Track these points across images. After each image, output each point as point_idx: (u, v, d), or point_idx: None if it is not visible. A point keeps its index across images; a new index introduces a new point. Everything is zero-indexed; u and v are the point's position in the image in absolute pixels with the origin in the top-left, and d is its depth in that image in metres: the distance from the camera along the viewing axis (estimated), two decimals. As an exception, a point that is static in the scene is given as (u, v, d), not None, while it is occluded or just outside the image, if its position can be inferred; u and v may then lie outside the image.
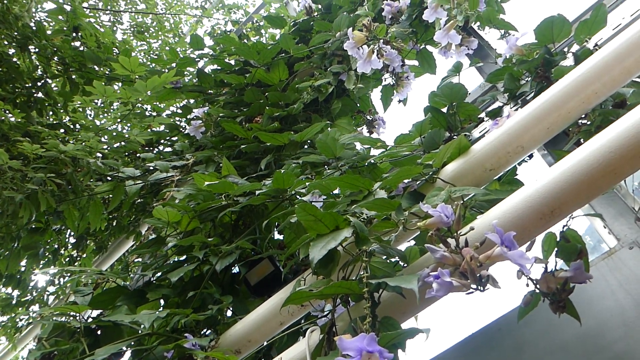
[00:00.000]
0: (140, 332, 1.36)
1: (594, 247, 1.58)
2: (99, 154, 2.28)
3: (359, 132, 2.46)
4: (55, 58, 3.02)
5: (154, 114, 3.14)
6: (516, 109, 1.45)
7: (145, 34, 4.92)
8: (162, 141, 2.88)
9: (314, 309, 1.26)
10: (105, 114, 3.97)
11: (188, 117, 2.70)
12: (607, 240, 1.43)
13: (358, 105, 2.58)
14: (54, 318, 1.50)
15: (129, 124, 3.16)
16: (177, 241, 1.68)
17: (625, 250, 1.33)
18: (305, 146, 2.11)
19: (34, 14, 3.24)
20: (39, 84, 3.02)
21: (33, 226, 2.74)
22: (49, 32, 3.08)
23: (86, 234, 3.07)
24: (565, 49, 1.57)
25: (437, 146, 1.48)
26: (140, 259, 2.73)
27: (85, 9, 3.97)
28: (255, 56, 2.53)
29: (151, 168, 2.37)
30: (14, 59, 2.99)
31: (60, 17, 3.17)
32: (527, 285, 0.98)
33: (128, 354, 1.42)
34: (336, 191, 1.42)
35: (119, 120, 2.71)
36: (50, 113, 3.07)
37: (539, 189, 0.91)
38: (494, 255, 0.79)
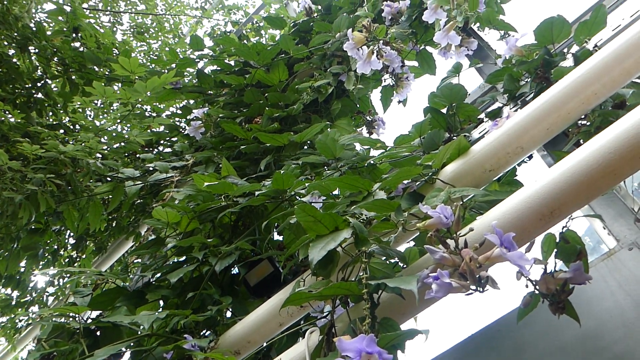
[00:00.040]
0: (139, 333, 1.36)
1: (593, 248, 1.58)
2: (98, 155, 2.28)
3: (359, 132, 2.46)
4: (55, 59, 3.03)
5: (154, 114, 3.14)
6: (516, 110, 1.45)
7: (145, 34, 4.93)
8: (161, 142, 2.88)
9: (313, 310, 1.26)
10: (105, 115, 3.97)
11: (188, 117, 2.70)
12: (606, 241, 1.43)
13: (358, 106, 2.58)
14: (54, 319, 1.50)
15: (128, 125, 3.16)
16: (177, 242, 1.68)
17: (624, 251, 1.33)
18: (305, 147, 2.11)
19: (33, 15, 3.24)
20: (38, 84, 3.02)
21: (32, 227, 2.74)
22: (48, 32, 3.08)
23: (86, 234, 3.07)
24: (565, 50, 1.57)
25: (437, 147, 1.48)
26: (139, 260, 2.73)
27: (85, 10, 3.98)
28: (255, 57, 2.53)
29: (151, 169, 2.37)
30: (14, 60, 2.99)
31: (60, 17, 3.16)
32: (527, 286, 0.98)
33: (127, 355, 1.42)
34: (336, 192, 1.42)
35: (118, 120, 2.71)
36: (50, 114, 3.07)
37: (539, 189, 0.91)
38: (494, 256, 0.79)
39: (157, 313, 1.31)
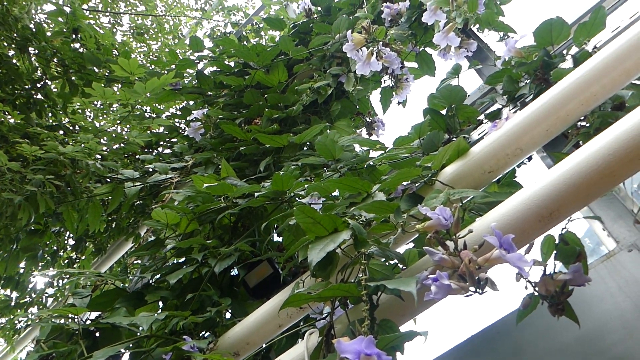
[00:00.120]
0: (138, 334, 1.36)
1: (593, 249, 1.58)
2: (98, 156, 2.28)
3: (358, 134, 2.46)
4: (55, 60, 3.03)
5: (154, 115, 3.14)
6: (515, 111, 1.45)
7: (145, 35, 4.93)
8: (161, 143, 2.88)
9: (312, 311, 1.26)
10: (105, 116, 3.97)
11: (187, 118, 2.71)
12: (606, 243, 1.43)
13: (357, 107, 2.58)
14: (53, 320, 1.50)
15: (128, 126, 3.16)
16: (176, 243, 1.68)
17: (624, 253, 1.33)
18: (305, 148, 2.11)
19: (33, 16, 3.24)
20: (38, 85, 3.02)
21: (32, 228, 2.74)
22: (48, 33, 3.08)
23: (85, 235, 3.07)
24: (564, 52, 1.57)
25: (436, 148, 1.48)
26: (139, 261, 2.72)
27: (85, 11, 3.97)
28: (255, 58, 2.53)
29: (150, 170, 2.37)
30: (14, 61, 2.99)
31: (60, 18, 3.17)
32: (526, 287, 0.98)
33: (126, 356, 1.42)
34: (335, 193, 1.42)
35: (118, 121, 2.71)
36: (50, 114, 3.07)
37: (538, 191, 0.91)
38: (493, 258, 0.79)
39: (156, 314, 1.31)
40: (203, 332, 1.47)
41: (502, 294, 0.82)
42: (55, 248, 3.28)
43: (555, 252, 1.08)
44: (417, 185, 1.29)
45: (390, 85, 2.26)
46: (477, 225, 0.98)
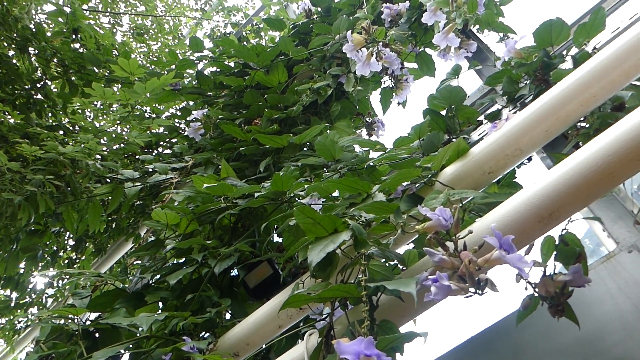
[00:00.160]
0: (138, 334, 1.36)
1: (593, 250, 1.58)
2: (98, 156, 2.28)
3: (358, 134, 2.46)
4: (55, 60, 3.03)
5: (153, 115, 3.14)
6: (515, 112, 1.45)
7: (145, 36, 4.93)
8: (161, 143, 2.88)
9: (312, 312, 1.26)
10: (105, 116, 3.97)
11: (187, 119, 2.71)
12: (606, 244, 1.43)
13: (357, 107, 2.58)
14: (52, 320, 1.50)
15: (128, 126, 3.16)
16: (176, 244, 1.68)
17: (624, 254, 1.33)
18: (305, 148, 2.11)
19: (33, 16, 3.24)
20: (38, 85, 3.02)
21: (32, 228, 2.73)
22: (48, 34, 3.08)
23: (85, 236, 3.07)
24: (564, 52, 1.57)
25: (436, 149, 1.48)
26: (139, 262, 2.72)
27: (85, 11, 3.97)
28: (255, 58, 2.53)
29: (150, 170, 2.37)
30: (14, 61, 2.99)
31: (60, 19, 3.17)
32: (526, 288, 0.98)
33: (126, 356, 1.42)
34: (335, 194, 1.42)
35: (118, 122, 2.71)
36: (50, 115, 3.07)
37: (538, 192, 0.91)
38: (493, 259, 0.79)
39: (156, 315, 1.31)
40: (203, 333, 1.47)
41: (502, 295, 0.82)
42: (55, 248, 3.28)
43: (555, 253, 1.08)
44: (417, 185, 1.29)
45: (390, 85, 2.26)
46: (477, 226, 0.98)
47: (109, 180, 2.30)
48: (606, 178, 0.87)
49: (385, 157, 1.53)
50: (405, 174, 1.21)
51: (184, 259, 1.79)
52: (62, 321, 1.52)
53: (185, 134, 2.60)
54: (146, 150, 2.79)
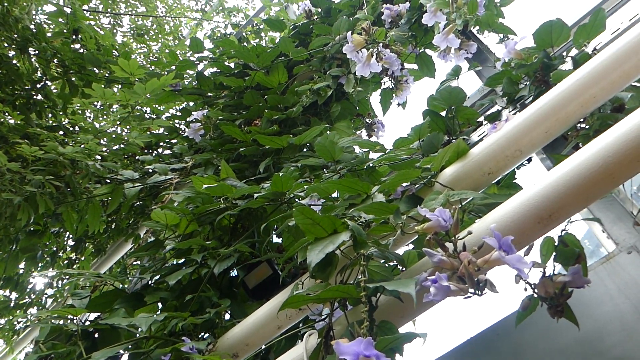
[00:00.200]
0: (137, 335, 1.36)
1: (592, 251, 1.58)
2: (97, 157, 2.28)
3: (358, 135, 2.46)
4: (55, 60, 3.03)
5: (153, 116, 3.14)
6: (515, 113, 1.45)
7: (145, 36, 4.93)
8: (161, 144, 2.88)
9: (312, 312, 1.25)
10: (105, 117, 3.98)
11: (187, 119, 2.70)
12: (605, 245, 1.43)
13: (357, 108, 2.58)
14: (52, 321, 1.50)
15: (128, 127, 3.16)
16: (176, 244, 1.68)
17: (623, 255, 1.33)
18: (305, 149, 2.11)
19: (34, 17, 3.24)
20: (38, 86, 3.02)
21: (31, 228, 2.73)
22: (48, 34, 3.09)
23: (85, 236, 3.07)
24: (564, 53, 1.57)
25: (436, 150, 1.48)
26: (138, 262, 2.72)
27: (85, 12, 3.98)
28: (255, 59, 2.53)
29: (150, 171, 2.37)
30: (14, 61, 2.99)
31: (60, 19, 3.17)
32: (525, 289, 0.98)
33: (125, 357, 1.42)
34: (335, 194, 1.42)
35: (118, 122, 2.71)
36: (50, 115, 3.07)
37: (537, 193, 0.91)
38: (492, 260, 0.79)
39: (155, 315, 1.30)
40: (202, 333, 1.47)
41: (501, 296, 0.82)
42: (54, 249, 3.28)
43: (554, 253, 1.08)
44: (416, 186, 1.29)
45: (390, 86, 2.26)
46: (476, 226, 0.98)
47: (108, 181, 2.30)
48: (606, 179, 0.87)
49: (385, 158, 1.53)
50: (404, 174, 1.21)
51: (183, 260, 1.79)
52: (61, 321, 1.51)
53: (185, 134, 2.60)
54: (146, 150, 2.79)
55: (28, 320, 3.67)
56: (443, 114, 1.65)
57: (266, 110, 2.34)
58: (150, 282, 1.72)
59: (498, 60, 2.05)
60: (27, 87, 2.96)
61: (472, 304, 0.80)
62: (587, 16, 1.98)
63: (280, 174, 1.44)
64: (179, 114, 2.97)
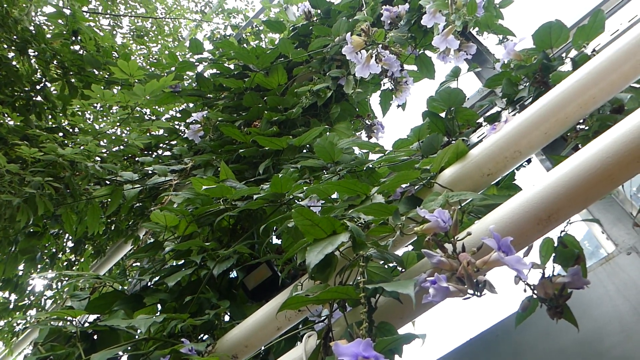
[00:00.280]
0: (136, 336, 1.36)
1: (592, 252, 1.58)
2: (97, 158, 2.28)
3: (358, 136, 2.46)
4: (55, 62, 3.03)
5: (153, 117, 3.14)
6: (514, 114, 1.45)
7: (145, 38, 4.93)
8: (160, 145, 2.88)
9: (311, 314, 1.25)
10: (105, 118, 3.97)
11: (187, 121, 2.71)
12: (605, 246, 1.43)
13: (357, 109, 2.58)
14: (51, 323, 1.50)
15: (127, 128, 3.16)
16: (175, 245, 1.68)
17: (623, 256, 1.33)
18: (304, 150, 2.11)
19: (33, 18, 3.24)
20: (37, 87, 3.02)
21: (31, 230, 2.73)
22: (48, 35, 3.09)
23: (84, 238, 3.07)
24: (563, 55, 1.57)
25: (435, 151, 1.48)
26: (138, 264, 2.72)
27: (84, 13, 3.98)
28: (255, 60, 2.53)
29: (150, 172, 2.37)
30: (13, 63, 2.99)
31: (59, 20, 3.17)
32: (525, 290, 0.98)
33: (124, 358, 1.41)
34: (334, 196, 1.42)
35: (117, 124, 2.71)
36: (49, 117, 3.07)
37: (536, 194, 0.91)
38: (491, 261, 0.79)
39: (154, 317, 1.30)
40: (201, 335, 1.47)
41: (500, 297, 0.82)
42: (54, 250, 3.28)
43: (554, 254, 1.08)
44: (416, 187, 1.29)
45: (390, 88, 2.26)
46: (475, 227, 0.98)
47: (108, 182, 2.30)
48: (605, 180, 0.87)
49: (384, 159, 1.53)
50: (404, 175, 1.21)
51: (182, 261, 1.79)
52: (60, 323, 1.51)
53: (185, 136, 2.60)
54: (145, 152, 2.79)
55: (27, 322, 3.67)
56: (442, 115, 1.65)
57: (266, 112, 2.34)
58: (149, 284, 1.71)
59: (497, 61, 2.06)
60: (26, 89, 2.96)
61: (472, 305, 0.80)
62: (586, 17, 1.98)
63: (280, 175, 1.44)
64: (178, 115, 2.97)
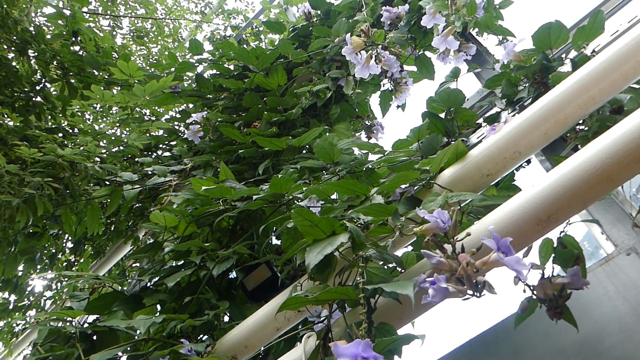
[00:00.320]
0: (136, 337, 1.36)
1: (591, 253, 1.58)
2: (97, 159, 2.28)
3: (357, 137, 2.46)
4: (54, 62, 3.03)
5: (153, 118, 3.14)
6: (514, 115, 1.45)
7: (145, 38, 4.94)
8: (160, 146, 2.88)
9: (310, 314, 1.25)
10: (104, 119, 3.97)
11: (187, 121, 2.71)
12: (604, 247, 1.43)
13: (357, 110, 2.58)
14: (50, 323, 1.50)
15: (127, 129, 3.16)
16: (174, 246, 1.67)
17: (622, 257, 1.33)
18: (304, 151, 2.11)
19: (33, 18, 3.24)
20: (37, 88, 3.02)
21: (30, 231, 2.73)
22: (48, 36, 3.09)
23: (84, 238, 3.07)
24: (563, 55, 1.57)
25: (435, 151, 1.48)
26: (137, 264, 2.72)
27: (84, 14, 3.98)
28: (254, 61, 2.53)
29: (149, 172, 2.37)
30: (13, 63, 2.99)
31: (59, 21, 3.17)
32: (524, 291, 0.98)
33: (124, 359, 1.41)
34: (334, 196, 1.42)
35: (117, 124, 2.71)
36: (49, 117, 3.07)
37: (536, 194, 0.91)
38: (491, 261, 0.79)
39: (154, 317, 1.30)
40: (201, 336, 1.47)
41: (500, 298, 0.82)
42: (53, 251, 3.28)
43: (553, 255, 1.08)
44: (415, 188, 1.29)
45: (390, 88, 2.26)
46: (475, 228, 0.98)
47: (107, 183, 2.30)
48: (604, 181, 0.87)
49: (384, 159, 1.53)
50: (403, 176, 1.21)
51: (182, 262, 1.79)
52: (59, 324, 1.51)
53: (185, 136, 2.60)
54: (145, 152, 2.79)
55: (27, 323, 3.67)
56: (442, 115, 1.66)
57: (265, 112, 2.34)
58: (149, 284, 1.71)
59: (497, 62, 2.06)
60: (26, 89, 2.96)
61: (471, 305, 0.80)
62: (585, 18, 1.98)
63: (279, 176, 1.44)
64: (178, 116, 2.97)
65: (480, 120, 1.69)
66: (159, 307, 1.65)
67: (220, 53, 2.85)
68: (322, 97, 2.35)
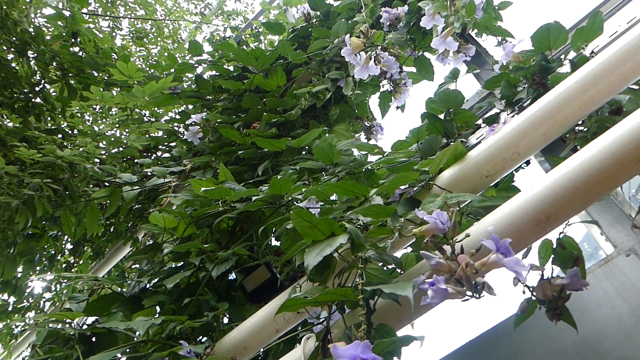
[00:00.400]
0: (135, 339, 1.36)
1: (591, 254, 1.57)
2: (96, 160, 2.28)
3: (357, 138, 2.46)
4: (54, 63, 3.03)
5: (152, 119, 3.14)
6: (513, 116, 1.45)
7: (144, 39, 4.94)
8: (160, 147, 2.88)
9: (310, 316, 1.25)
10: (104, 120, 3.97)
11: (186, 122, 2.71)
12: (604, 247, 1.43)
13: (356, 111, 2.58)
14: (49, 325, 1.49)
15: (127, 130, 3.16)
16: (174, 247, 1.67)
17: (622, 258, 1.33)
18: (303, 152, 2.11)
19: (32, 19, 3.24)
20: (37, 89, 3.02)
21: (29, 232, 2.73)
22: (47, 37, 3.09)
23: (83, 239, 3.06)
24: (562, 56, 1.57)
25: (434, 152, 1.48)
26: (136, 265, 2.72)
27: (84, 15, 3.98)
28: (254, 62, 2.53)
29: (149, 174, 2.37)
30: (13, 64, 2.99)
31: (59, 22, 3.17)
32: (524, 292, 0.98)
33: (123, 360, 1.41)
34: (333, 197, 1.42)
35: (117, 125, 2.71)
36: (48, 118, 3.07)
37: (535, 195, 0.91)
38: (490, 262, 0.79)
39: (153, 319, 1.30)
40: (200, 337, 1.47)
41: (499, 299, 0.81)
42: (52, 252, 3.27)
43: (552, 256, 1.08)
44: (414, 189, 1.29)
45: (389, 89, 2.26)
46: (474, 229, 0.98)
47: (107, 184, 2.29)
48: (603, 181, 0.87)
49: (383, 160, 1.53)
50: (403, 177, 1.21)
51: (181, 263, 1.79)
52: (59, 325, 1.51)
53: (184, 137, 2.60)
54: (145, 154, 2.79)
55: (26, 324, 3.66)
56: (441, 116, 1.66)
57: (265, 113, 2.34)
58: (148, 286, 1.71)
59: (496, 63, 2.06)
60: (25, 90, 2.96)
61: (471, 306, 0.80)
62: (585, 19, 1.99)
63: (279, 177, 1.43)
64: (177, 117, 2.97)
65: (480, 121, 1.69)
66: (158, 308, 1.64)
67: (219, 54, 2.85)
68: (321, 98, 2.35)
